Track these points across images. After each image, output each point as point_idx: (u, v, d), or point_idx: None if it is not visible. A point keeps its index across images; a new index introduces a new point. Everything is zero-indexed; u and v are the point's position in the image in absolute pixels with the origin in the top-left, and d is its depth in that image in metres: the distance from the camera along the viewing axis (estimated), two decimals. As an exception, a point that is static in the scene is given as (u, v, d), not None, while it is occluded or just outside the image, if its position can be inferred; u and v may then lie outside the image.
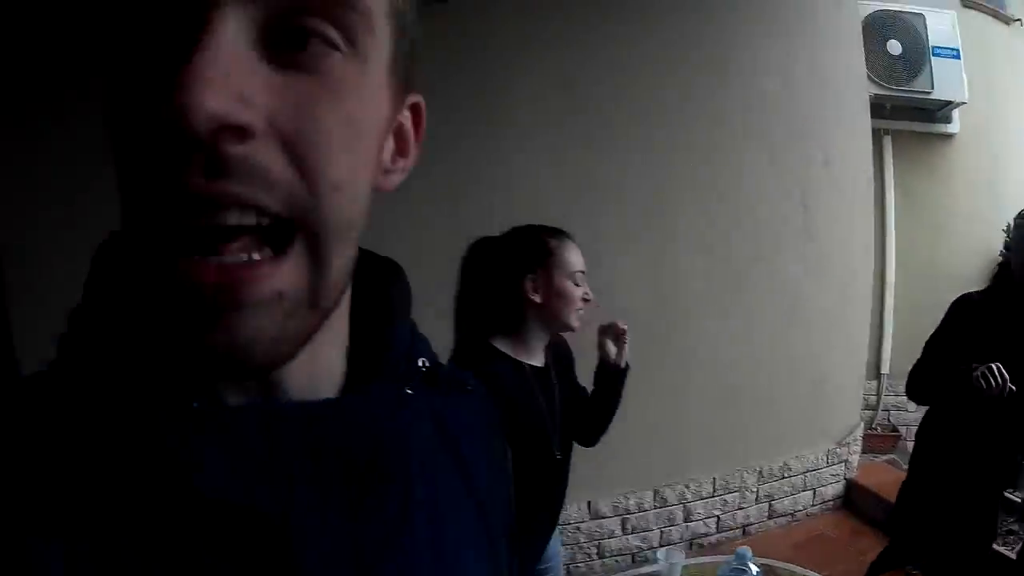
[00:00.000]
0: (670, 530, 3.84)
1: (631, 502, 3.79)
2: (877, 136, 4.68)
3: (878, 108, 4.68)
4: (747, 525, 4.09)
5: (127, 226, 0.40)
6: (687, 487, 3.88)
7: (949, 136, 5.18)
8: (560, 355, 2.10)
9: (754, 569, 1.97)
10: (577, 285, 1.92)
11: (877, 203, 4.42)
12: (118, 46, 0.39)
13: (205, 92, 0.34)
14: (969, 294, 2.72)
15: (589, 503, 3.72)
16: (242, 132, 0.36)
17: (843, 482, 4.34)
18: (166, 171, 0.36)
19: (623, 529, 3.82)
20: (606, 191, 3.44)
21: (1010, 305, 2.55)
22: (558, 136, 3.33)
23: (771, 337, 3.89)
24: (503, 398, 1.73)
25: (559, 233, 1.98)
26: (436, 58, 3.19)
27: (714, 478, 3.94)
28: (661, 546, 3.70)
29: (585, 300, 1.94)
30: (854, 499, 4.30)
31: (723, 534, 3.98)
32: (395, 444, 0.51)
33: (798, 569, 2.45)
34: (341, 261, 0.44)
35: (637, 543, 3.79)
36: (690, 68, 3.54)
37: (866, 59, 4.37)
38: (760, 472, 4.05)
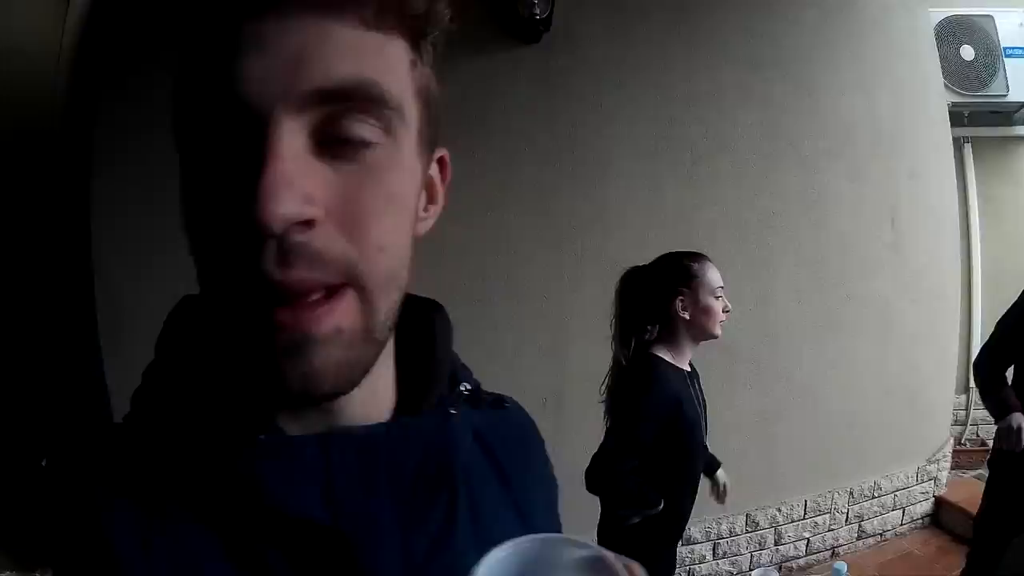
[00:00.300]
0: (760, 553, 3.76)
1: (723, 527, 3.72)
2: (957, 144, 4.54)
3: (956, 116, 4.53)
4: (836, 546, 3.99)
5: (207, 296, 0.50)
6: (779, 510, 3.80)
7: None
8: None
9: None
10: (717, 299, 2.23)
11: (961, 213, 4.29)
12: (195, 155, 0.48)
13: (279, 200, 0.43)
14: None
15: (681, 528, 3.67)
16: (308, 223, 0.45)
17: (932, 499, 4.21)
18: (247, 261, 0.45)
19: (714, 554, 3.75)
20: (699, 219, 3.41)
21: None
22: (652, 169, 3.32)
23: (862, 356, 3.80)
24: (673, 396, 2.18)
25: (699, 256, 2.30)
26: (530, 97, 3.20)
27: (805, 500, 3.85)
28: (751, 569, 3.64)
29: (725, 311, 2.26)
30: (943, 516, 4.17)
31: (812, 556, 3.88)
32: (441, 458, 0.58)
33: None
34: (387, 304, 0.52)
35: (727, 567, 3.72)
36: (775, 93, 3.49)
37: (941, 67, 4.26)
38: (851, 493, 3.95)
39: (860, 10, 3.82)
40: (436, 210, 0.61)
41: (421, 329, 0.64)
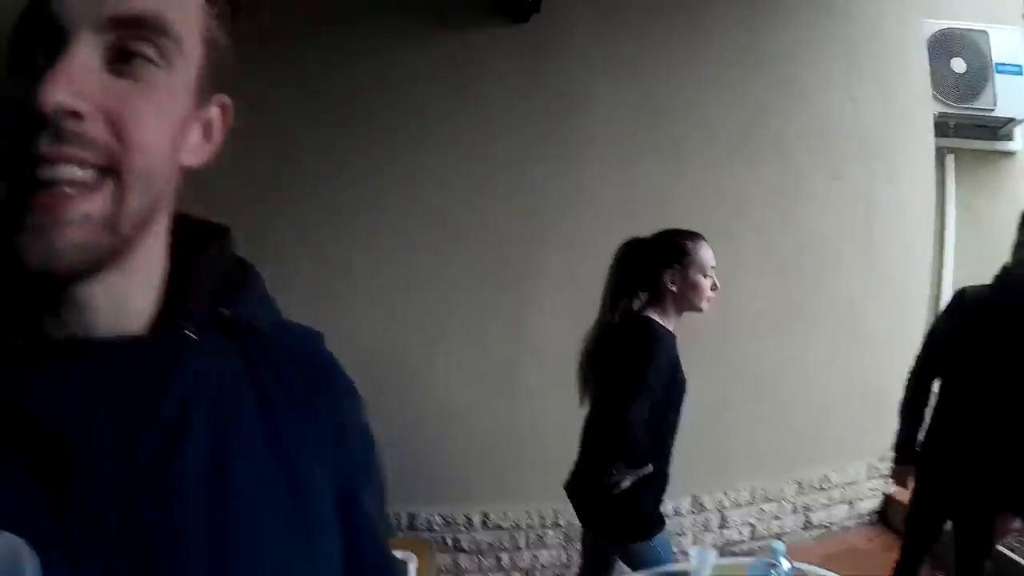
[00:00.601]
0: (705, 535, 3.81)
1: (668, 506, 3.74)
2: (939, 154, 4.53)
3: (941, 126, 4.54)
4: (781, 534, 4.03)
5: None
6: (725, 494, 3.85)
7: (1011, 154, 5.01)
8: None
9: (786, 565, 1.95)
10: (707, 277, 2.40)
11: (938, 222, 4.31)
12: (16, 62, 0.56)
13: (56, 90, 0.50)
14: (966, 288, 2.87)
15: (627, 505, 3.71)
16: (77, 115, 0.52)
17: (881, 497, 4.27)
18: (24, 141, 0.51)
19: (659, 532, 3.81)
20: (673, 204, 3.40)
21: (1004, 303, 2.66)
22: (629, 156, 3.32)
23: (823, 351, 3.82)
24: (672, 354, 2.37)
25: (695, 236, 2.45)
26: (514, 75, 3.21)
27: (753, 487, 3.89)
28: (696, 550, 3.69)
29: (714, 289, 2.43)
30: (891, 514, 4.21)
31: (757, 543, 3.93)
32: (167, 378, 0.59)
33: (828, 574, 2.41)
34: (139, 202, 0.57)
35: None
36: (759, 86, 3.49)
37: (930, 77, 4.27)
38: (799, 483, 4.00)
39: (853, 15, 3.81)
40: (211, 148, 0.68)
41: (194, 251, 0.68)
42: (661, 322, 2.40)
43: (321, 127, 3.05)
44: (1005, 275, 2.76)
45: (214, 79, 0.65)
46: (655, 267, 2.42)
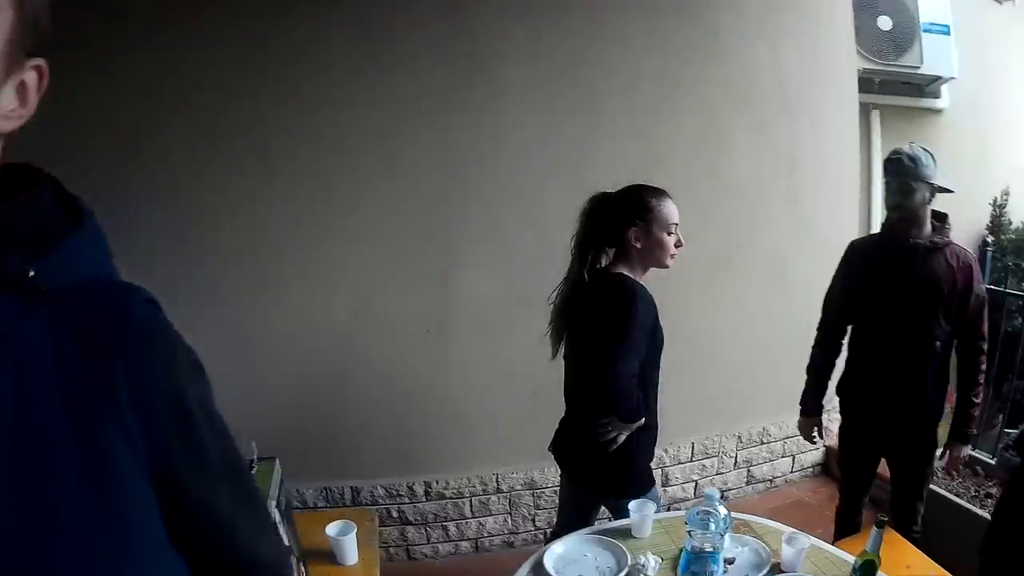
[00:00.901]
0: (654, 502, 3.79)
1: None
2: (865, 110, 4.60)
3: (867, 82, 4.60)
4: (725, 490, 4.06)
5: None
6: (665, 451, 3.85)
7: (937, 111, 5.09)
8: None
9: (723, 511, 1.95)
10: (670, 235, 2.39)
11: (864, 176, 4.35)
12: None
13: None
14: (854, 240, 3.07)
15: (567, 466, 3.70)
16: None
17: (822, 449, 4.30)
18: None
19: (602, 492, 3.80)
20: (595, 163, 3.37)
21: (888, 249, 2.82)
22: (550, 106, 3.28)
23: (753, 304, 3.84)
24: (652, 307, 2.35)
25: (659, 193, 2.42)
26: (430, 24, 3.16)
27: (692, 443, 3.90)
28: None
29: (678, 246, 2.42)
30: (832, 465, 4.24)
31: (701, 499, 3.95)
32: None
33: (772, 523, 2.42)
34: None
35: (615, 506, 3.75)
36: (680, 37, 3.45)
37: (856, 34, 4.29)
38: (739, 437, 4.02)
39: (775, -33, 3.81)
40: (25, 113, 0.67)
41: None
42: (633, 277, 2.40)
43: (239, 87, 2.98)
44: (886, 221, 2.94)
45: (27, 41, 0.65)
46: (619, 224, 2.41)
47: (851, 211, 4.14)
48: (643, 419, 2.40)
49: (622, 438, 2.39)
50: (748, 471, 4.12)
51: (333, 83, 3.04)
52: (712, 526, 1.88)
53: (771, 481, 4.21)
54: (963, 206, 5.08)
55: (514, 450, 3.62)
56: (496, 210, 3.31)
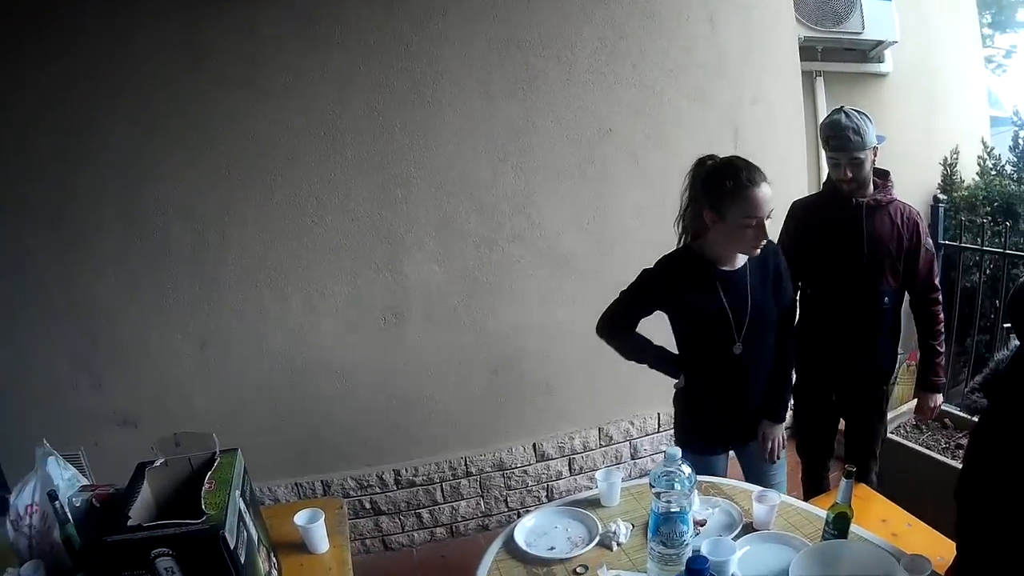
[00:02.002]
0: (618, 468, 3.83)
1: (576, 442, 3.77)
2: (809, 77, 4.60)
3: (810, 51, 4.60)
4: (695, 459, 4.09)
5: None
6: (632, 423, 3.87)
7: (882, 76, 5.11)
8: (766, 266, 2.40)
9: (686, 469, 1.96)
10: (748, 227, 2.20)
11: (811, 142, 4.40)
12: None
13: None
14: (795, 200, 3.08)
15: (535, 445, 3.70)
16: None
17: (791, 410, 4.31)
18: None
19: (570, 470, 3.81)
20: (535, 132, 3.37)
21: (831, 208, 2.85)
22: (487, 82, 3.26)
23: None
24: (669, 281, 2.37)
25: (747, 178, 2.19)
26: (364, 12, 3.11)
27: (658, 414, 3.91)
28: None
29: (760, 238, 2.24)
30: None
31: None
32: None
33: (742, 483, 2.43)
34: None
35: (585, 483, 3.76)
36: (616, 13, 3.43)
37: (795, 2, 4.31)
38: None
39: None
40: None
41: None
42: (703, 253, 2.36)
43: (177, 81, 2.92)
44: (828, 180, 2.95)
45: None
46: (699, 200, 2.33)
47: (799, 178, 4.15)
48: (681, 377, 2.56)
49: (677, 384, 2.59)
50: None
51: (268, 76, 2.99)
52: (677, 485, 1.89)
53: None
54: (913, 167, 5.17)
55: (480, 432, 3.62)
56: (441, 197, 3.29)
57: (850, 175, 2.74)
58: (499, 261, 3.41)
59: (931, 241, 2.88)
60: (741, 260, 2.37)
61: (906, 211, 2.82)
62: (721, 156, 2.34)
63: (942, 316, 2.90)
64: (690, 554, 1.83)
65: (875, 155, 2.78)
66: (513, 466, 3.69)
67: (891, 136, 4.84)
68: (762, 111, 3.87)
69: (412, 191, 3.25)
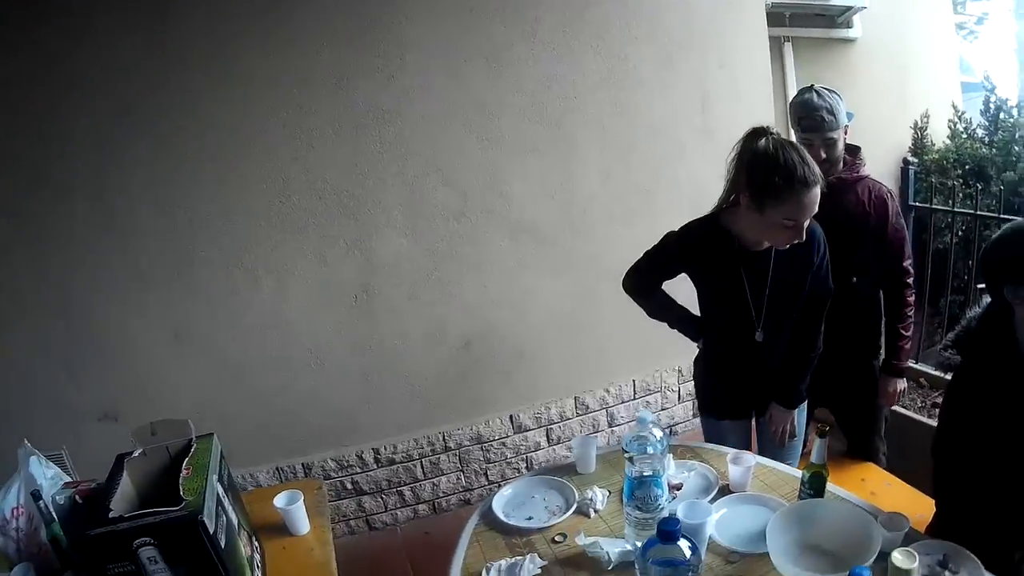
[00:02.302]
0: (595, 436, 3.83)
1: (553, 412, 3.78)
2: (777, 43, 4.59)
3: (778, 16, 4.58)
4: (672, 424, 4.12)
5: None
6: (607, 391, 3.88)
7: (851, 41, 5.11)
8: (798, 251, 2.22)
9: (658, 432, 1.97)
10: (783, 228, 2.07)
11: (780, 112, 4.39)
12: None
13: None
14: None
15: (511, 417, 3.71)
16: None
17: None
18: None
19: (548, 440, 3.83)
20: (502, 106, 3.34)
21: None
22: (452, 57, 3.22)
23: None
24: (689, 247, 2.30)
25: (806, 179, 2.00)
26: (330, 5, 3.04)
27: (633, 380, 3.93)
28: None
29: (793, 237, 2.11)
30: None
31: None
32: None
33: (717, 447, 2.45)
34: None
35: (564, 453, 3.78)
36: None
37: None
38: (679, 371, 4.04)
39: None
40: None
41: None
42: (730, 226, 2.23)
43: (137, 68, 2.84)
44: None
45: None
46: (740, 179, 2.14)
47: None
48: (700, 341, 2.59)
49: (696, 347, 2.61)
50: (693, 403, 4.14)
51: (231, 58, 2.93)
52: (649, 449, 1.91)
53: None
54: (884, 132, 5.20)
55: (457, 406, 3.62)
56: (409, 172, 3.26)
57: (824, 156, 2.66)
58: (468, 233, 3.39)
59: (902, 220, 2.80)
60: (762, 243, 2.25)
61: (875, 189, 2.73)
62: (776, 134, 2.10)
63: (911, 300, 2.82)
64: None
65: (846, 133, 2.72)
66: (491, 439, 3.70)
67: (861, 101, 4.86)
68: (730, 77, 3.85)
69: (378, 167, 3.20)
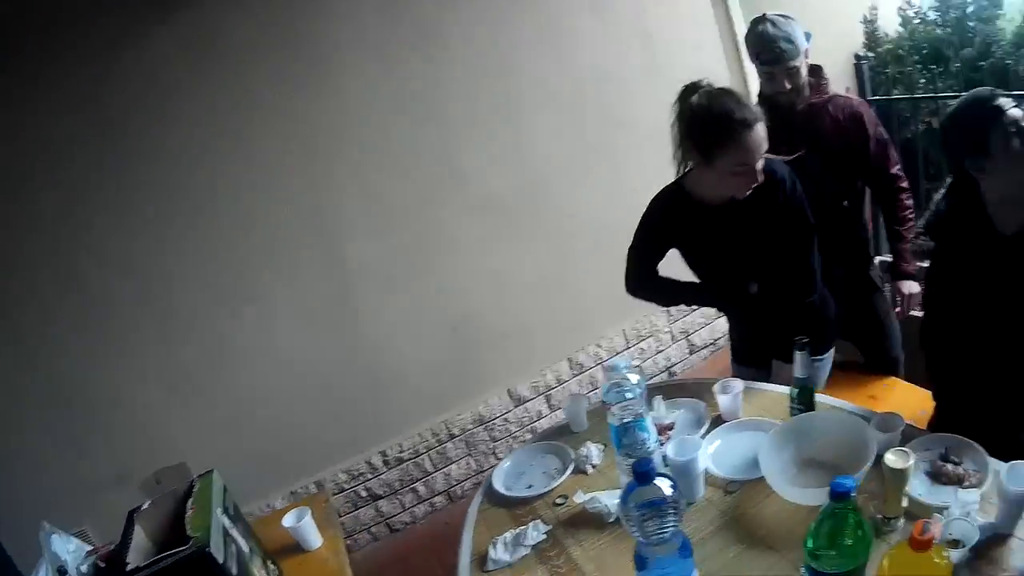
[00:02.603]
0: (583, 395, 3.79)
1: (549, 377, 3.77)
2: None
3: None
4: (670, 366, 4.11)
5: None
6: (599, 346, 3.87)
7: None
8: (768, 198, 2.15)
9: (634, 377, 1.95)
10: (734, 175, 2.03)
11: (728, 39, 4.29)
12: None
13: None
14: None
15: (509, 391, 3.70)
16: None
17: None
18: None
19: (549, 407, 3.82)
20: (444, 85, 3.29)
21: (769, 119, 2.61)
22: (381, 44, 3.16)
23: (641, 182, 3.71)
24: (657, 215, 2.26)
25: (745, 118, 1.96)
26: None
27: (624, 330, 3.91)
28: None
29: (748, 183, 2.06)
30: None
31: (650, 381, 3.97)
32: None
33: (704, 378, 2.43)
34: None
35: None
36: None
37: None
38: (668, 312, 4.02)
39: None
40: None
41: None
42: (693, 188, 2.19)
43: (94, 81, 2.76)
44: (762, 95, 2.78)
45: None
46: (682, 137, 2.11)
47: (718, 69, 4.03)
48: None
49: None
50: (688, 341, 4.15)
51: (162, 90, 2.85)
52: (628, 395, 1.88)
53: (714, 344, 4.24)
54: (833, 31, 5.12)
55: (455, 392, 3.61)
56: (363, 170, 3.22)
57: (788, 86, 2.62)
58: (431, 219, 3.36)
59: (881, 129, 2.75)
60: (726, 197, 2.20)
61: (847, 106, 2.69)
62: (708, 86, 2.07)
63: (908, 202, 2.77)
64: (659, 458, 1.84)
65: (807, 56, 2.65)
66: (493, 417, 3.69)
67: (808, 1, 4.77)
68: (668, 12, 3.78)
69: (334, 176, 3.18)
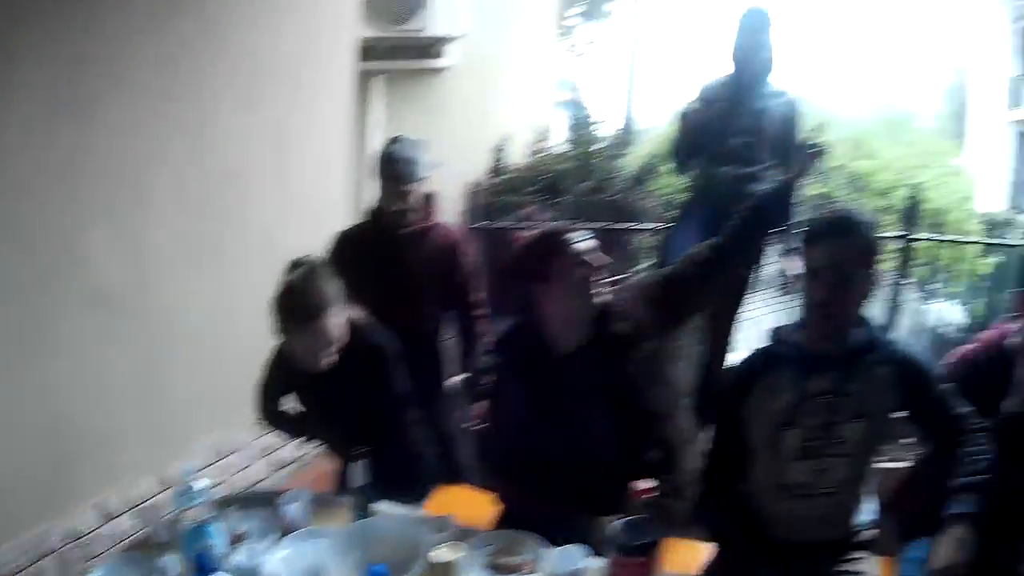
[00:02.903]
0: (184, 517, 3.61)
1: (143, 488, 3.49)
2: (365, 77, 4.80)
3: (374, 50, 4.76)
4: (259, 481, 4.04)
5: None
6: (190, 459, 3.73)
7: (439, 71, 5.51)
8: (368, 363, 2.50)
9: (201, 483, 2.10)
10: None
11: (362, 142, 4.65)
12: None
13: None
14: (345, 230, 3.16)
15: (99, 504, 3.35)
16: None
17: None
18: None
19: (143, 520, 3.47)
20: (89, 156, 3.05)
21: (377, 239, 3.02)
22: (44, 103, 2.88)
23: (244, 285, 3.55)
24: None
25: (303, 312, 2.24)
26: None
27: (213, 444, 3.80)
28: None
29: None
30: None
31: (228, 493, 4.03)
32: None
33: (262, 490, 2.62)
34: None
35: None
36: (178, 29, 3.32)
37: (366, 2, 4.52)
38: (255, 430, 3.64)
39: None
40: None
41: None
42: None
43: None
44: (375, 209, 3.11)
45: None
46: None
47: (340, 180, 4.33)
48: None
49: None
50: (274, 456, 4.12)
51: None
52: (196, 499, 2.01)
53: (300, 459, 4.16)
54: (468, 159, 5.73)
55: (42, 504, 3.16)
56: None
57: (400, 206, 2.93)
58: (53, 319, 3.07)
59: (474, 259, 3.14)
60: None
61: (447, 234, 3.09)
62: (308, 264, 2.36)
63: (482, 327, 3.15)
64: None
65: (427, 182, 3.01)
66: (86, 531, 3.28)
67: (446, 127, 5.34)
68: (309, 116, 4.01)
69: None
